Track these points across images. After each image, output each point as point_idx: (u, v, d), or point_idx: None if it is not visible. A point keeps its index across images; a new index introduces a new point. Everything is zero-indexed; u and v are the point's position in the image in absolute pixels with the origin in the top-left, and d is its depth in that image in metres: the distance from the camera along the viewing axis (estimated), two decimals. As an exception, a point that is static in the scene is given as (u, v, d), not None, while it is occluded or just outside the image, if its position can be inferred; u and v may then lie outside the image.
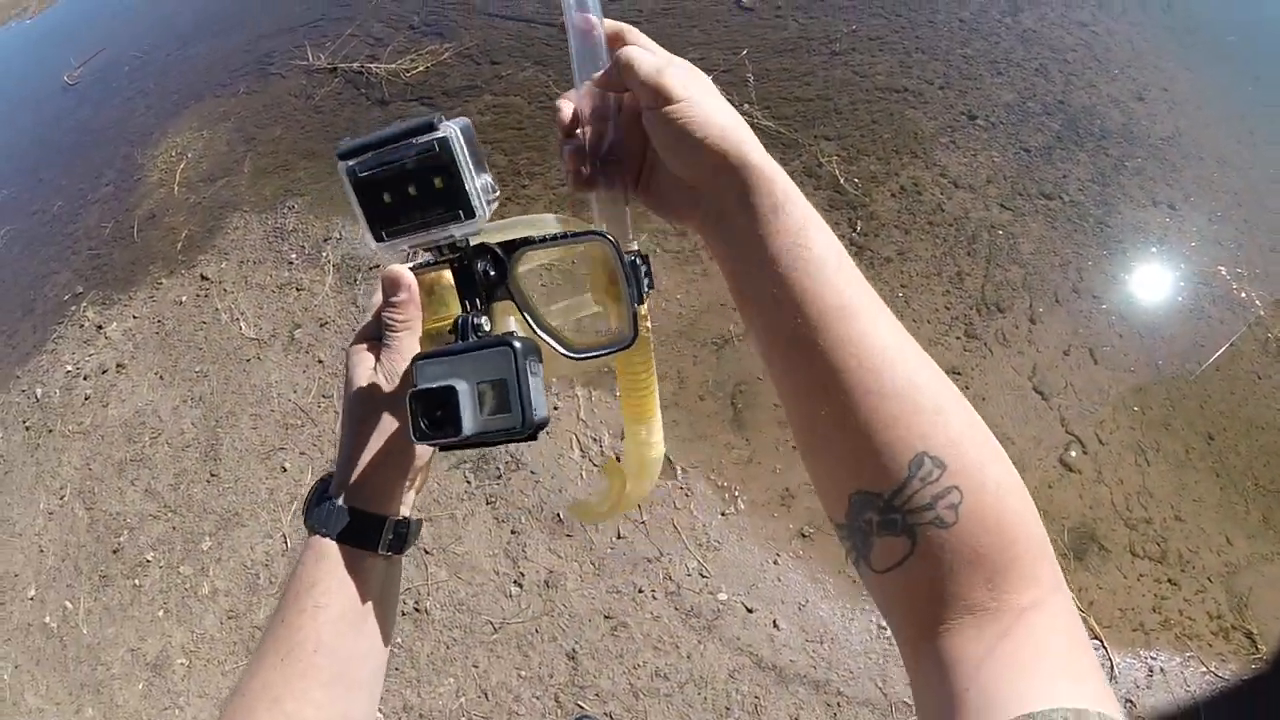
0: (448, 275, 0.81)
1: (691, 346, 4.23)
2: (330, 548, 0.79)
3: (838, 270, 0.69)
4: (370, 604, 0.80)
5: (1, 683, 4.41)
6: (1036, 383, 3.75)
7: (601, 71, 0.78)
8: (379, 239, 0.77)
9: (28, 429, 5.51)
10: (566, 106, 0.82)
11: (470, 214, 0.72)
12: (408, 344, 0.85)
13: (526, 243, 0.77)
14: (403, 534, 0.84)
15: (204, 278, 5.79)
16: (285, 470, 4.47)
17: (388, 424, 0.82)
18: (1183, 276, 4.21)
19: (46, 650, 4.40)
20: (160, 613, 4.22)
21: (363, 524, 0.80)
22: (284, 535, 4.21)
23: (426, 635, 3.68)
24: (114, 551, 4.58)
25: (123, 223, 6.79)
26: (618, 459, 0.90)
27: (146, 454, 4.95)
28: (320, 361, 4.90)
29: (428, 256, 0.80)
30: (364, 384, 0.84)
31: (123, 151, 7.76)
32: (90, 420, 5.31)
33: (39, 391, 5.68)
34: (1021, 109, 5.08)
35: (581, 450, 3.98)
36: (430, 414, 0.69)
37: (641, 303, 0.77)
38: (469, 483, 4.03)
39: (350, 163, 0.74)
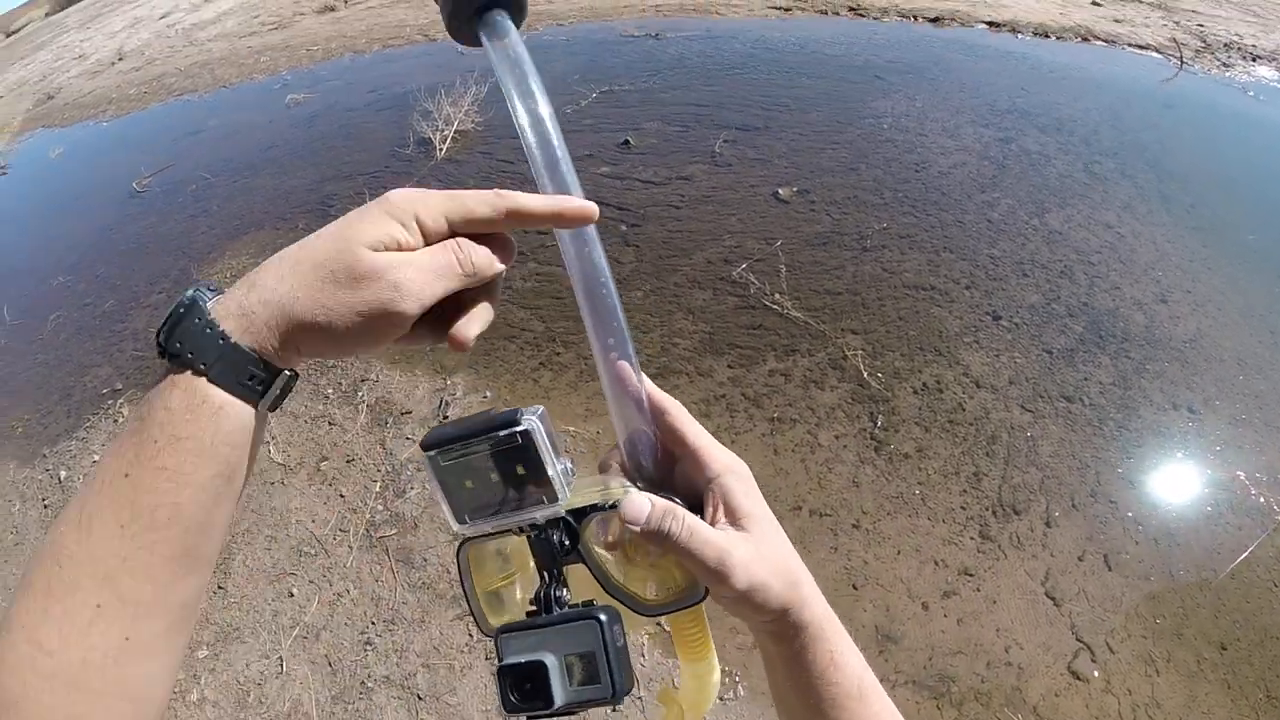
0: (510, 538, 0.81)
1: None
2: (209, 393, 0.64)
3: (861, 700, 0.75)
4: (237, 473, 0.69)
5: None
6: (1049, 588, 3.73)
7: (644, 428, 0.79)
8: (461, 521, 0.76)
9: (46, 507, 5.59)
10: (614, 464, 0.83)
11: (554, 499, 0.73)
12: (447, 282, 0.68)
13: (595, 509, 0.76)
14: (288, 391, 0.69)
15: None
16: (292, 595, 4.50)
17: (363, 294, 0.65)
18: (1201, 482, 4.22)
19: None
20: None
21: (255, 369, 0.66)
22: (280, 658, 4.19)
23: (409, 791, 3.66)
24: None
25: None
26: (674, 684, 0.91)
27: None
28: (342, 496, 4.96)
29: (486, 528, 0.78)
30: (378, 234, 0.66)
31: (180, 264, 8.06)
32: None
33: (63, 474, 5.78)
34: (1046, 310, 5.21)
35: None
36: (520, 687, 0.68)
37: None
38: (470, 636, 4.04)
39: (433, 453, 0.75)
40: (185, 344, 0.64)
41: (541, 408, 0.76)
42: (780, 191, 6.67)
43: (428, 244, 0.68)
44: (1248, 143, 7.39)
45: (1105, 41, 9.75)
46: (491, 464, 0.74)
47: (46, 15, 35.51)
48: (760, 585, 0.70)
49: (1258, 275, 5.53)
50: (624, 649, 0.71)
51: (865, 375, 4.84)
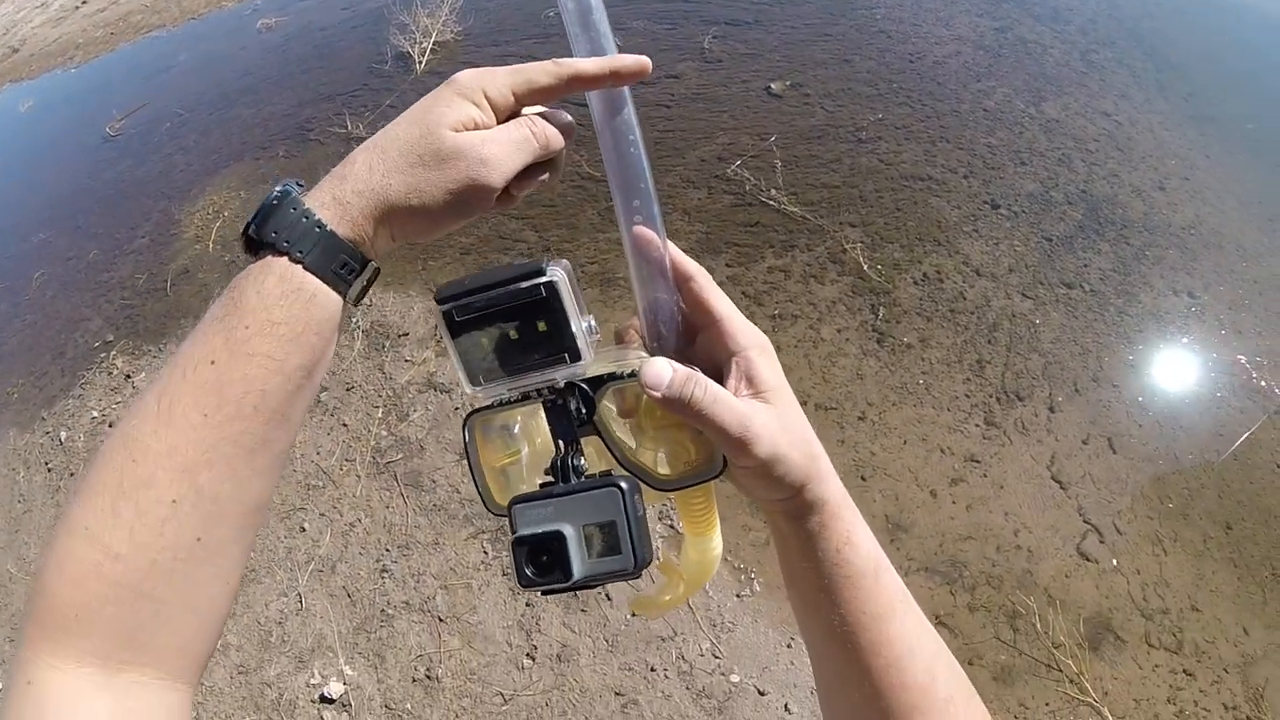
0: (519, 412, 0.79)
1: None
2: (304, 279, 0.66)
3: (875, 580, 0.74)
4: (319, 366, 0.70)
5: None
6: (1055, 472, 3.77)
7: (666, 299, 0.77)
8: (476, 383, 0.74)
9: (50, 470, 5.59)
10: (632, 332, 0.82)
11: (576, 357, 0.71)
12: (522, 155, 0.72)
13: (613, 378, 0.74)
14: (371, 283, 0.73)
15: None
16: (304, 530, 4.51)
17: (452, 173, 0.68)
18: (1202, 365, 4.25)
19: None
20: None
21: (348, 258, 0.68)
22: (299, 595, 4.23)
23: (436, 703, 3.69)
24: None
25: (157, 275, 6.94)
26: (674, 555, 0.90)
27: None
28: (344, 425, 4.96)
29: (505, 394, 0.76)
30: (458, 116, 0.69)
31: (160, 206, 7.96)
32: None
33: (63, 435, 5.77)
34: (1044, 198, 5.17)
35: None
36: (536, 559, 0.66)
37: None
38: (486, 553, 4.07)
39: (447, 306, 0.72)
40: (281, 233, 0.66)
41: (567, 262, 0.74)
42: (773, 86, 6.55)
43: (498, 119, 0.71)
44: (1245, 32, 7.29)
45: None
46: (511, 319, 0.72)
47: (4, -37, 34.42)
48: (782, 456, 0.69)
49: (1255, 164, 5.50)
50: (644, 519, 0.69)
51: (865, 268, 4.81)
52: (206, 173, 8.19)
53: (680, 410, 0.68)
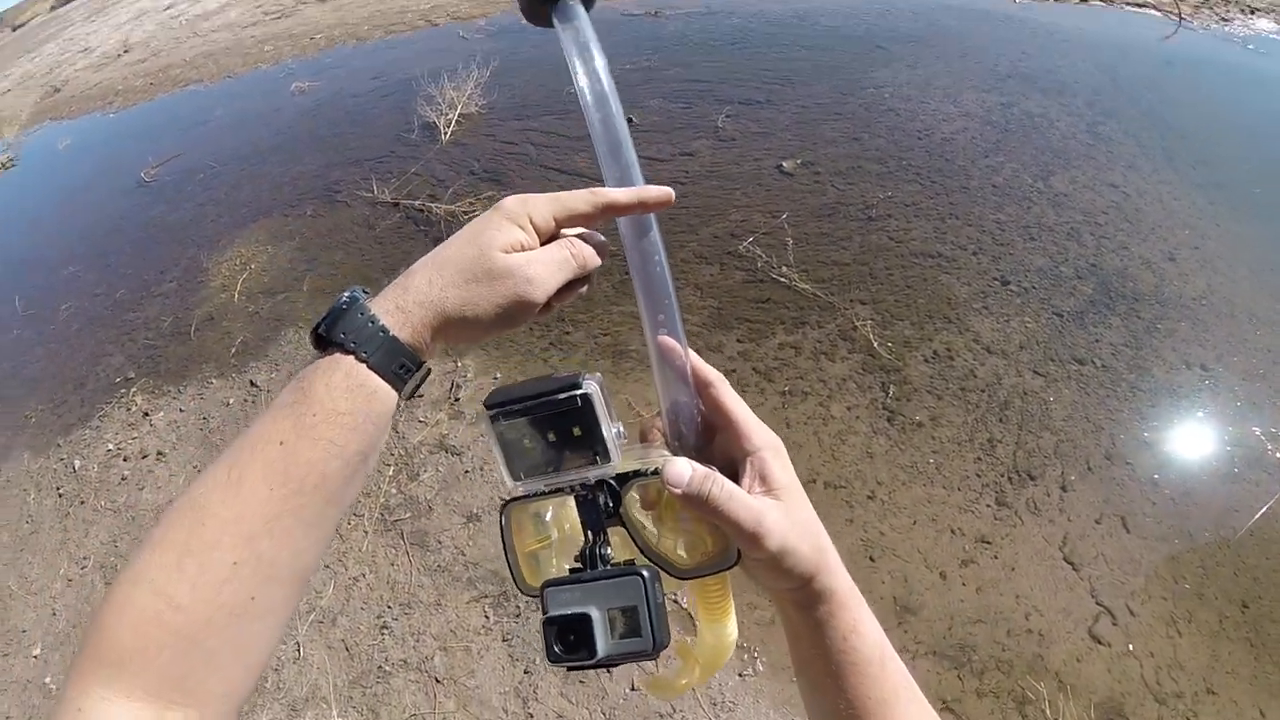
0: (550, 502, 0.85)
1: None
2: (367, 377, 0.73)
3: (881, 668, 0.78)
4: (373, 453, 0.77)
5: None
6: (1067, 553, 3.72)
7: (687, 402, 0.83)
8: (516, 479, 0.81)
9: (60, 496, 5.64)
10: (655, 431, 0.89)
11: (606, 459, 0.77)
12: (564, 272, 0.80)
13: (637, 475, 0.80)
14: (423, 381, 0.80)
15: (253, 384, 6.01)
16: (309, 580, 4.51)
17: (501, 289, 0.76)
18: (1217, 440, 4.20)
19: (42, 710, 4.45)
20: None
21: (407, 360, 0.75)
22: (298, 644, 4.21)
23: (427, 768, 3.69)
24: None
25: (181, 319, 7.06)
26: (690, 640, 0.93)
27: None
28: None
29: (539, 486, 0.82)
30: (507, 239, 0.77)
31: (190, 253, 8.12)
32: (124, 500, 5.44)
33: (77, 463, 5.84)
34: (1054, 273, 5.18)
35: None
36: (564, 638, 0.72)
37: None
38: (487, 618, 4.05)
39: (494, 412, 0.79)
40: (349, 334, 0.73)
41: (600, 376, 0.80)
42: (784, 164, 6.64)
43: (541, 241, 0.80)
44: (1249, 97, 7.33)
45: (1103, 1, 9.66)
46: (550, 425, 0.78)
47: (52, 9, 35.57)
48: (791, 549, 0.74)
49: (1265, 230, 5.49)
50: (663, 605, 0.75)
51: (875, 345, 4.83)
52: (236, 225, 8.38)
53: (699, 506, 0.73)
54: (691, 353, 0.83)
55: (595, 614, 0.72)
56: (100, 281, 8.20)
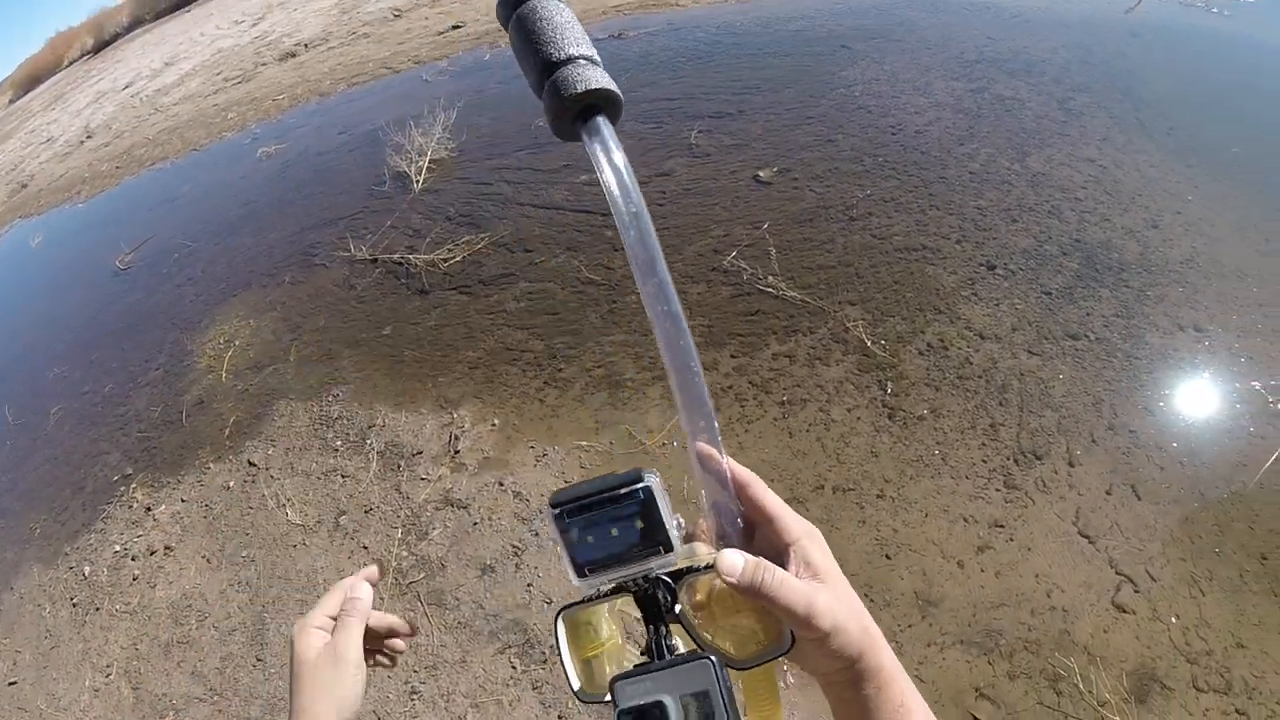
0: (598, 610, 0.88)
1: (734, 523, 4.24)
2: None
3: None
4: None
5: None
6: (1082, 526, 3.72)
7: (727, 502, 0.86)
8: (581, 575, 0.83)
9: (75, 606, 5.62)
10: (701, 532, 0.92)
11: (669, 548, 0.80)
12: (357, 631, 1.10)
13: (691, 570, 0.83)
14: None
15: (251, 464, 5.99)
16: None
17: (331, 694, 1.05)
18: (1217, 397, 4.21)
19: None
20: None
21: None
22: None
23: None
24: None
25: (171, 406, 7.05)
26: None
27: (193, 636, 5.03)
28: (365, 548, 4.97)
29: (604, 585, 0.85)
30: (312, 657, 1.05)
31: (172, 337, 8.12)
32: (138, 600, 5.43)
33: (87, 570, 5.82)
34: (1039, 253, 5.20)
35: (625, 633, 3.93)
36: None
37: None
38: (514, 668, 4.03)
39: (558, 510, 0.81)
40: None
41: (657, 472, 0.83)
42: (761, 174, 6.68)
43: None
44: (1217, 61, 7.39)
45: (1066, -22, 9.74)
46: (614, 520, 0.80)
47: (11, 101, 35.82)
48: (841, 628, 0.76)
49: (1245, 188, 5.52)
50: (732, 689, 0.74)
51: (869, 344, 4.84)
52: (215, 302, 8.40)
53: (752, 593, 0.76)
54: (728, 457, 0.86)
55: (669, 701, 0.72)
56: (86, 379, 8.22)
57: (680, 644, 0.83)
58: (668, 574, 0.82)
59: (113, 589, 5.60)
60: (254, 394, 6.70)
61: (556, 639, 0.87)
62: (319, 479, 5.57)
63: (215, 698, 4.62)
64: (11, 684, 5.41)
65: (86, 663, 5.21)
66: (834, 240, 5.74)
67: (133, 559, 5.73)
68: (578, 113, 0.87)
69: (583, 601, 0.87)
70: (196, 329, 8.03)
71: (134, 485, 6.32)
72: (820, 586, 0.78)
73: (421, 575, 4.62)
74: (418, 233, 7.80)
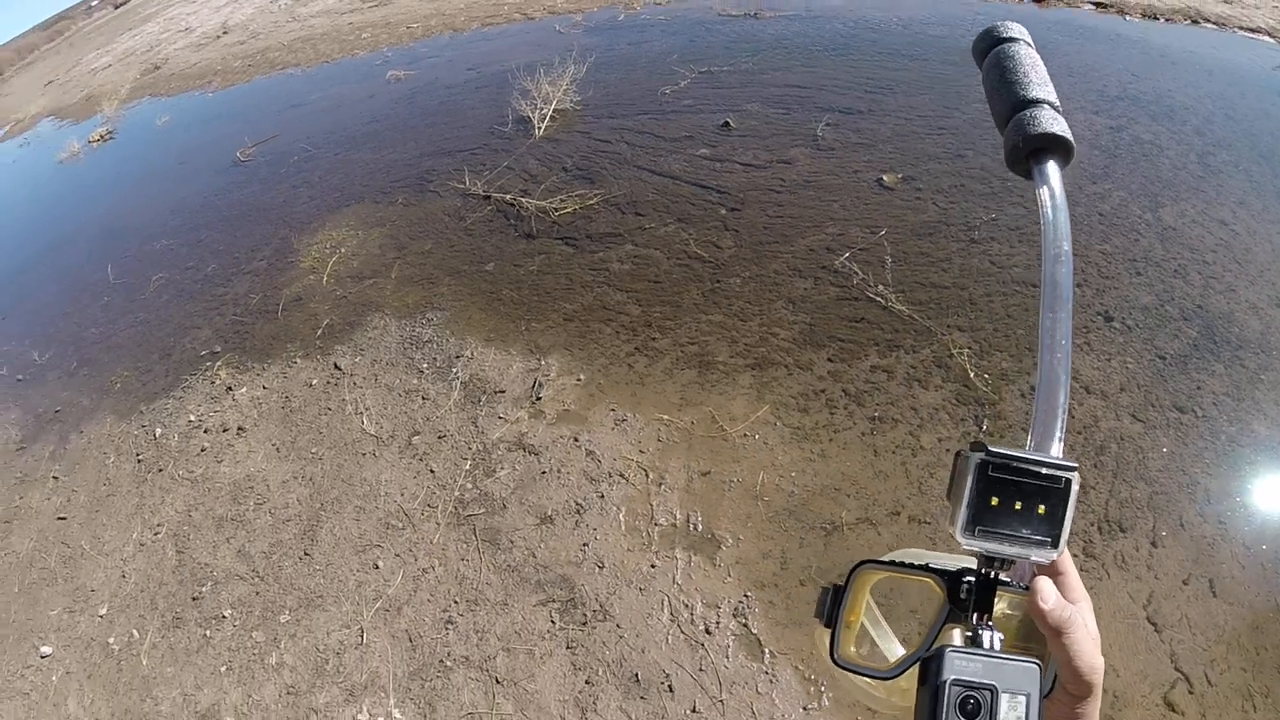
0: (880, 582, 0.86)
1: (799, 528, 4.25)
2: None
3: None
4: None
5: (48, 683, 4.66)
6: (1151, 612, 3.63)
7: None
8: (968, 531, 0.78)
9: (140, 462, 5.90)
10: None
11: (1055, 546, 0.77)
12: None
13: (1007, 585, 0.80)
14: None
15: (337, 367, 6.17)
16: (377, 568, 4.63)
17: None
18: (1317, 504, 4.07)
19: (103, 668, 4.64)
20: (223, 668, 4.41)
21: None
22: (361, 630, 4.33)
23: (476, 767, 3.76)
24: (194, 599, 4.83)
25: (270, 298, 7.31)
26: None
27: (248, 517, 5.23)
28: (432, 471, 5.09)
29: (982, 550, 0.80)
30: None
31: (281, 233, 8.40)
32: (201, 471, 5.66)
33: (158, 431, 6.10)
34: (1159, 312, 5.07)
35: (671, 614, 4.00)
36: (965, 704, 0.70)
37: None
38: (553, 623, 4.10)
39: (989, 459, 0.78)
40: None
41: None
42: (884, 178, 6.60)
43: None
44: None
45: (1215, 25, 9.35)
46: (1024, 493, 0.77)
47: (154, -13, 36.37)
48: (1097, 697, 0.76)
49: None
50: (1043, 703, 0.72)
51: (971, 375, 4.79)
52: (327, 209, 8.62)
53: (1052, 629, 0.75)
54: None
55: (1002, 690, 0.70)
56: (192, 256, 8.47)
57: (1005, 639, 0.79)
58: (992, 578, 0.80)
59: (180, 455, 5.85)
60: (351, 302, 6.83)
61: (845, 586, 0.84)
62: (400, 396, 5.70)
63: (256, 579, 4.82)
64: (61, 519, 5.68)
65: (138, 517, 5.46)
66: (951, 259, 5.66)
67: (205, 431, 5.96)
68: (1032, 151, 0.92)
69: (890, 564, 0.85)
70: (305, 230, 8.20)
71: (219, 363, 6.53)
72: (1100, 655, 0.77)
73: (481, 510, 4.73)
74: (533, 178, 7.85)
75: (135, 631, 4.79)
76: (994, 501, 0.78)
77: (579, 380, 5.40)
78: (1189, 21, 9.46)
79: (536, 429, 5.16)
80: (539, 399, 5.35)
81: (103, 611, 4.97)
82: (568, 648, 3.98)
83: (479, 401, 5.47)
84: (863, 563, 0.84)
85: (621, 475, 4.72)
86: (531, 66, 9.55)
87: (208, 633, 4.62)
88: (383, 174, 9.08)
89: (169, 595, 4.92)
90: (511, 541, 4.53)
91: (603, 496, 4.63)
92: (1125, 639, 3.57)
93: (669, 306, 5.82)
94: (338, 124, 11.04)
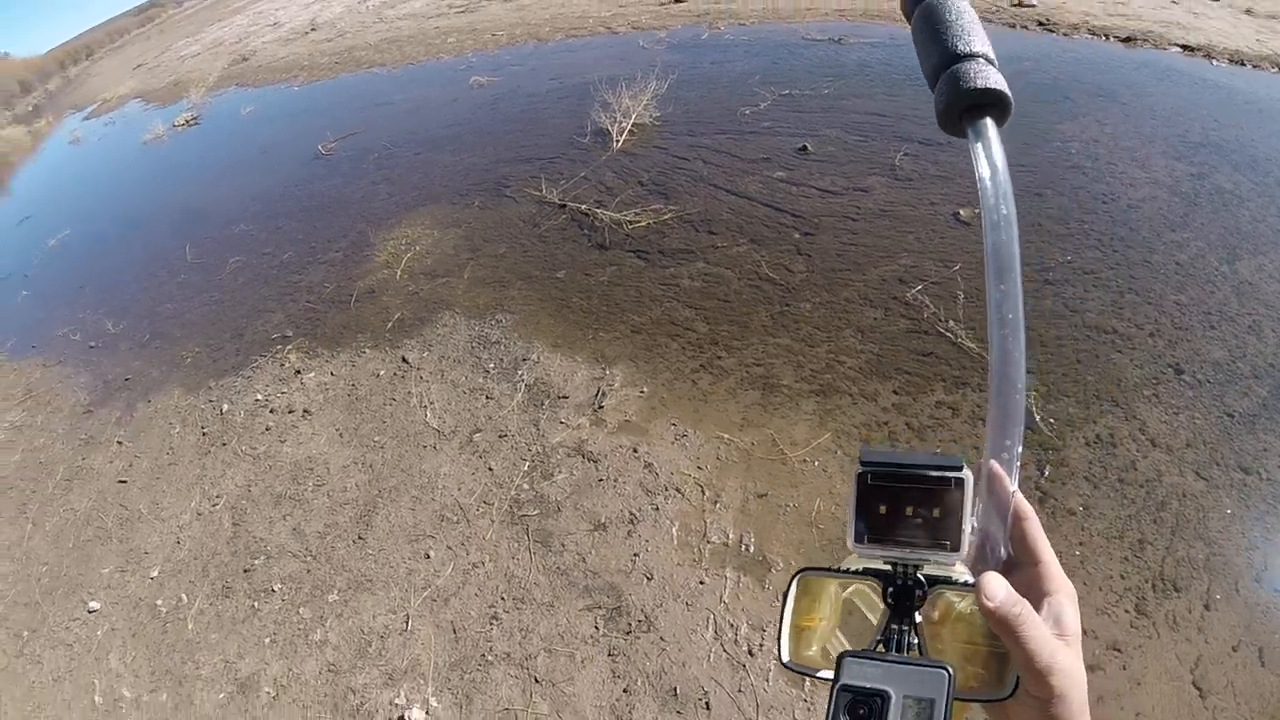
0: (832, 585, 0.85)
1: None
2: None
3: None
4: None
5: (92, 636, 4.83)
6: (1198, 677, 3.57)
7: (998, 531, 0.83)
8: (858, 541, 0.79)
9: (204, 434, 6.11)
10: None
11: (956, 549, 0.76)
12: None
13: (948, 582, 0.79)
14: None
15: (405, 360, 6.31)
16: (429, 558, 4.73)
17: None
18: (1376, 579, 3.99)
19: (148, 628, 4.80)
20: (267, 640, 4.54)
21: None
22: (407, 616, 4.43)
23: (508, 768, 3.82)
24: (245, 570, 4.97)
25: (344, 288, 7.49)
26: None
27: (305, 497, 5.37)
28: (490, 469, 5.18)
29: (874, 560, 0.82)
30: None
31: (358, 227, 8.59)
32: (264, 449, 5.83)
33: (225, 407, 6.30)
34: (1230, 369, 5.00)
35: (715, 632, 4.02)
36: (855, 710, 0.69)
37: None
38: (597, 629, 4.15)
39: (865, 469, 0.79)
40: None
41: (973, 468, 0.81)
42: (961, 212, 6.58)
43: None
44: None
45: (1304, 73, 9.21)
46: (913, 498, 0.78)
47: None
48: (1066, 696, 0.74)
49: None
50: (954, 709, 0.72)
51: (1037, 419, 4.76)
52: (405, 206, 8.80)
53: (1002, 626, 0.73)
54: (1017, 485, 0.83)
55: (894, 694, 0.69)
56: (269, 242, 8.71)
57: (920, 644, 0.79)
58: (925, 578, 0.80)
59: (244, 431, 6.02)
60: (423, 298, 6.97)
61: (785, 596, 0.84)
62: (465, 393, 5.81)
63: (308, 558, 4.95)
64: (121, 482, 5.88)
65: (198, 488, 5.64)
66: (1024, 300, 5.58)
67: (271, 411, 6.13)
68: (966, 108, 0.87)
69: (827, 570, 0.85)
70: (382, 226, 8.38)
71: (290, 347, 6.71)
72: (1063, 646, 0.74)
73: (536, 512, 4.82)
74: (609, 190, 7.94)
75: (184, 596, 4.95)
76: (882, 510, 0.79)
77: (642, 392, 5.46)
78: (1277, 70, 9.29)
79: (597, 437, 5.23)
80: (601, 407, 5.43)
81: (154, 574, 5.15)
82: (609, 655, 4.04)
83: (542, 405, 5.56)
84: (802, 570, 0.85)
85: (678, 490, 4.77)
86: (613, 80, 9.65)
87: (255, 604, 4.77)
88: (461, 176, 9.24)
89: (221, 565, 5.08)
90: (563, 545, 4.61)
91: (657, 509, 4.68)
92: (1169, 701, 3.52)
93: (737, 326, 5.86)
94: (420, 124, 11.24)
